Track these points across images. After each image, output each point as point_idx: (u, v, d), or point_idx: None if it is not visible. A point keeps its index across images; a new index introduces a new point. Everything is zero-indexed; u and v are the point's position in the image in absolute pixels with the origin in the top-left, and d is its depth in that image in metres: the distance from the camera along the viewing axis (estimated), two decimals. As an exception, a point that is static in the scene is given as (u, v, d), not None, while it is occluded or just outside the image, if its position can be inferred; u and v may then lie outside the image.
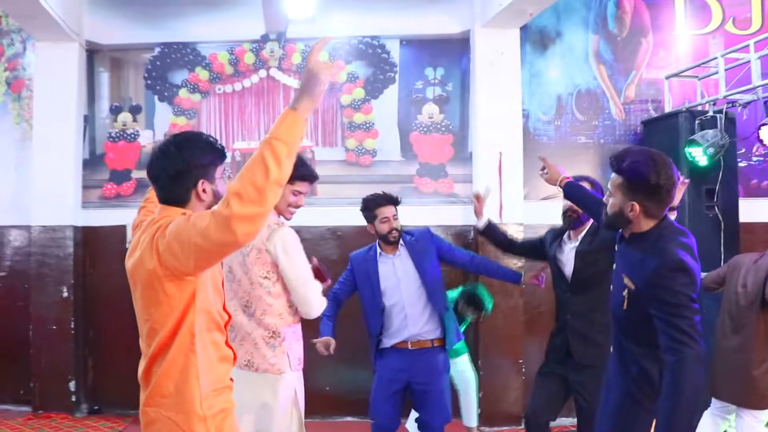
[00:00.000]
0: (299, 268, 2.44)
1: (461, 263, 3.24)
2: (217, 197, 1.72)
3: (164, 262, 1.58)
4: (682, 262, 1.86)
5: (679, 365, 1.79)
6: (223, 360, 1.78)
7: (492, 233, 3.23)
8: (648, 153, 2.01)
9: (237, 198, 1.41)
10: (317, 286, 2.50)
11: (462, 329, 3.92)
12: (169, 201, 1.72)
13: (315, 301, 2.46)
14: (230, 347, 1.82)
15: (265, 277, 2.44)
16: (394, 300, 3.06)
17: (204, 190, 1.72)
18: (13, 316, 4.74)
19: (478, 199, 3.23)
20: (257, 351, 2.43)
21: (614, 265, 2.19)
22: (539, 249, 3.11)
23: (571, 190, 2.71)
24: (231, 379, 1.83)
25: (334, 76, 1.65)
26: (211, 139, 1.78)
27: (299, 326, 2.57)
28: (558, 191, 2.80)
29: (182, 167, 1.69)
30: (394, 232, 3.08)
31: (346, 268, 3.26)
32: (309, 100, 1.49)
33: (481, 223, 3.21)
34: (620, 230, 2.13)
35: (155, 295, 1.63)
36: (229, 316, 1.83)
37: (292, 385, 2.46)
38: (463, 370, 3.95)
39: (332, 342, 2.94)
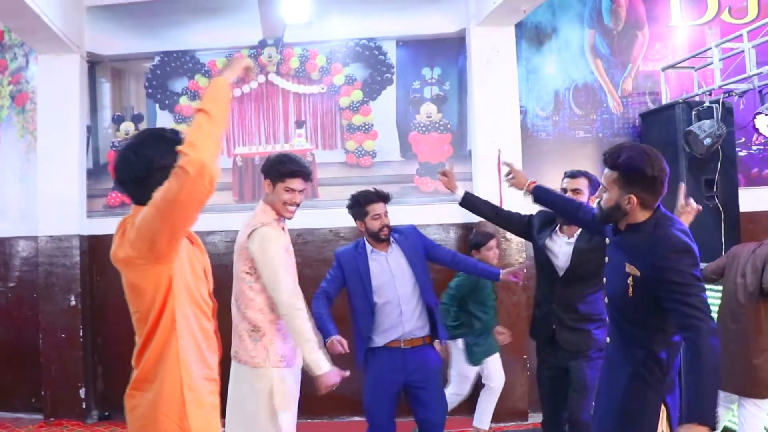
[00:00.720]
0: (271, 260, 2.49)
1: (443, 260, 3.22)
2: None
3: (136, 248, 1.64)
4: (686, 244, 1.94)
5: (697, 338, 1.86)
6: (212, 349, 1.82)
7: (472, 204, 3.13)
8: (641, 148, 2.09)
9: (189, 146, 1.55)
10: (290, 283, 2.54)
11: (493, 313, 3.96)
12: (140, 203, 1.74)
13: (285, 291, 2.47)
14: (218, 337, 1.86)
15: (247, 273, 2.55)
16: (389, 297, 3.02)
17: None
18: (22, 326, 4.83)
19: (445, 175, 3.13)
20: (241, 343, 2.54)
21: (606, 258, 2.22)
22: (526, 229, 3.07)
23: (540, 193, 2.73)
24: (218, 372, 1.85)
25: (247, 63, 1.85)
26: (170, 135, 1.77)
27: None
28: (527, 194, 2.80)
29: (143, 173, 1.71)
30: (385, 229, 3.06)
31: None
32: (230, 72, 1.79)
33: (459, 196, 3.12)
34: (613, 223, 2.16)
35: (136, 285, 1.70)
36: (214, 302, 1.87)
37: (269, 380, 2.50)
38: (497, 370, 3.97)
39: (344, 340, 2.89)
